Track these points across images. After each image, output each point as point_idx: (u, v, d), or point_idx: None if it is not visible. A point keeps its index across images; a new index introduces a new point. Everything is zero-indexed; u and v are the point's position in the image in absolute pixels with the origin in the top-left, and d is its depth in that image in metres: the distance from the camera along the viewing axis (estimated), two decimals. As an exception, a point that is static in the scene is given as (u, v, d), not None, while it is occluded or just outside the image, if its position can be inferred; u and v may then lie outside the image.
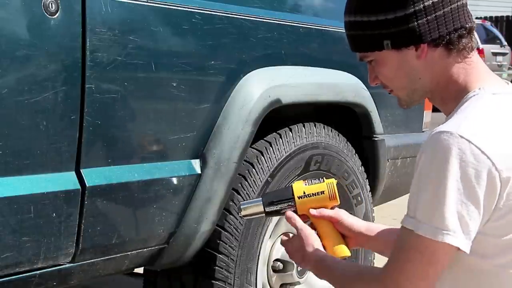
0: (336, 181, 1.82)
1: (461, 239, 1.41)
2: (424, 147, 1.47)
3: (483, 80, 1.56)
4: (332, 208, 1.82)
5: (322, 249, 1.74)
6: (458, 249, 1.43)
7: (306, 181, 1.82)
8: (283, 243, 1.84)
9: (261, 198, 1.84)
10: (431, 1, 1.53)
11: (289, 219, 1.79)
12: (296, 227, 1.77)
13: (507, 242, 1.46)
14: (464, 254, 1.44)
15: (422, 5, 1.53)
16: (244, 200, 1.91)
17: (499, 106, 1.51)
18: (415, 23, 1.53)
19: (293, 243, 1.78)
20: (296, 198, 1.79)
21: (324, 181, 1.80)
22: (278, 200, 1.81)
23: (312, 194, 1.79)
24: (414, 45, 1.56)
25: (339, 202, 1.81)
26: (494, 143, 1.43)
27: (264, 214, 1.84)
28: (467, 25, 1.56)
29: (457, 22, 1.55)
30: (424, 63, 1.57)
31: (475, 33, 1.64)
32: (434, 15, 1.53)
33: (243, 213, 1.87)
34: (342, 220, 1.79)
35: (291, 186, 1.82)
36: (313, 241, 1.75)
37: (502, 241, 1.46)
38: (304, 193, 1.79)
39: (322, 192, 1.79)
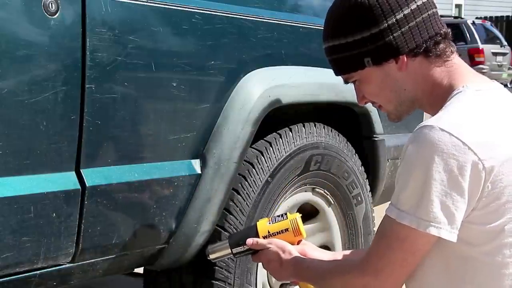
0: (300, 215, 1.84)
1: (445, 230, 1.45)
2: (408, 142, 1.51)
3: (467, 79, 1.60)
4: (298, 242, 1.84)
5: (297, 254, 1.76)
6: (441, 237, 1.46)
7: (270, 219, 1.86)
8: (257, 256, 1.84)
9: (227, 240, 1.87)
10: (402, 14, 1.57)
11: (253, 245, 1.81)
12: (264, 246, 1.80)
13: (493, 229, 1.49)
14: (452, 242, 1.47)
15: (394, 19, 1.58)
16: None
17: (481, 100, 1.55)
18: (391, 36, 1.58)
19: (268, 254, 1.80)
20: (261, 238, 1.82)
21: (287, 218, 1.83)
22: (245, 240, 1.83)
23: (277, 232, 1.83)
24: (394, 58, 1.61)
25: (304, 237, 1.84)
26: (476, 134, 1.46)
27: (232, 255, 1.86)
28: (441, 31, 1.62)
29: (431, 29, 1.60)
30: (406, 74, 1.62)
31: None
32: (407, 26, 1.58)
33: (211, 256, 1.89)
34: (306, 255, 1.81)
35: (256, 225, 1.85)
36: (288, 247, 1.78)
37: (488, 229, 1.49)
38: (269, 232, 1.83)
39: (287, 230, 1.83)
